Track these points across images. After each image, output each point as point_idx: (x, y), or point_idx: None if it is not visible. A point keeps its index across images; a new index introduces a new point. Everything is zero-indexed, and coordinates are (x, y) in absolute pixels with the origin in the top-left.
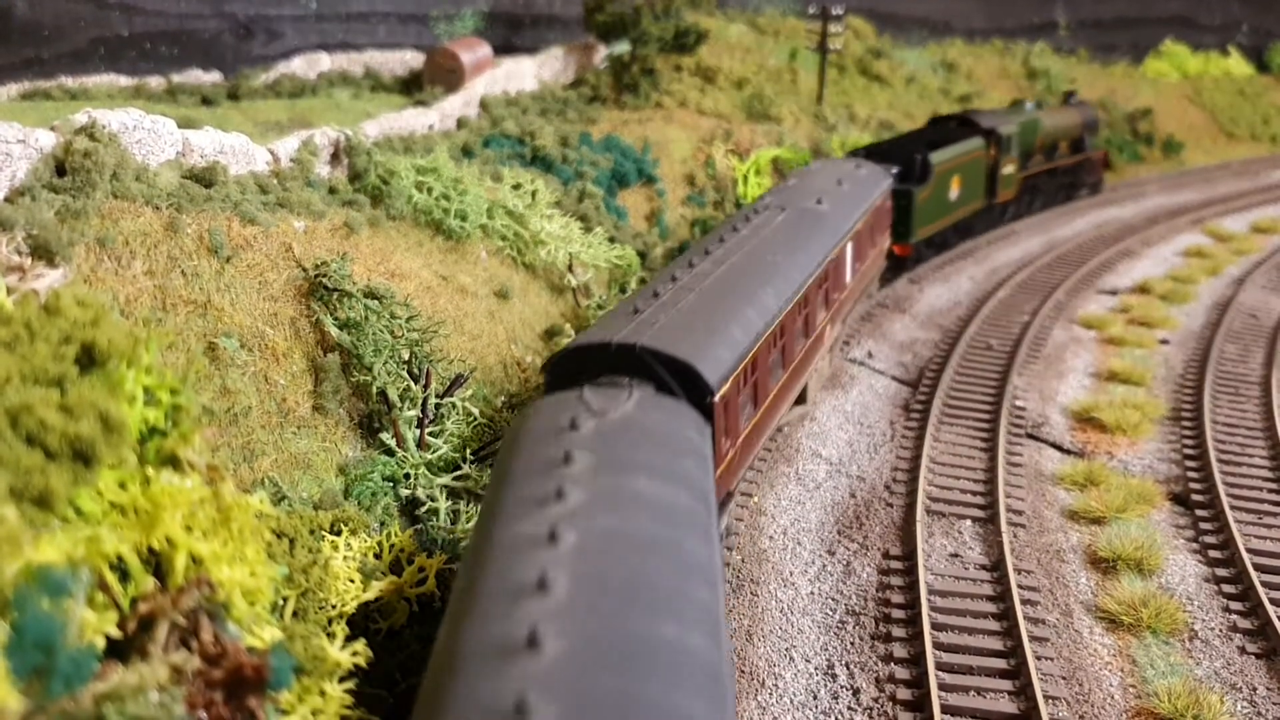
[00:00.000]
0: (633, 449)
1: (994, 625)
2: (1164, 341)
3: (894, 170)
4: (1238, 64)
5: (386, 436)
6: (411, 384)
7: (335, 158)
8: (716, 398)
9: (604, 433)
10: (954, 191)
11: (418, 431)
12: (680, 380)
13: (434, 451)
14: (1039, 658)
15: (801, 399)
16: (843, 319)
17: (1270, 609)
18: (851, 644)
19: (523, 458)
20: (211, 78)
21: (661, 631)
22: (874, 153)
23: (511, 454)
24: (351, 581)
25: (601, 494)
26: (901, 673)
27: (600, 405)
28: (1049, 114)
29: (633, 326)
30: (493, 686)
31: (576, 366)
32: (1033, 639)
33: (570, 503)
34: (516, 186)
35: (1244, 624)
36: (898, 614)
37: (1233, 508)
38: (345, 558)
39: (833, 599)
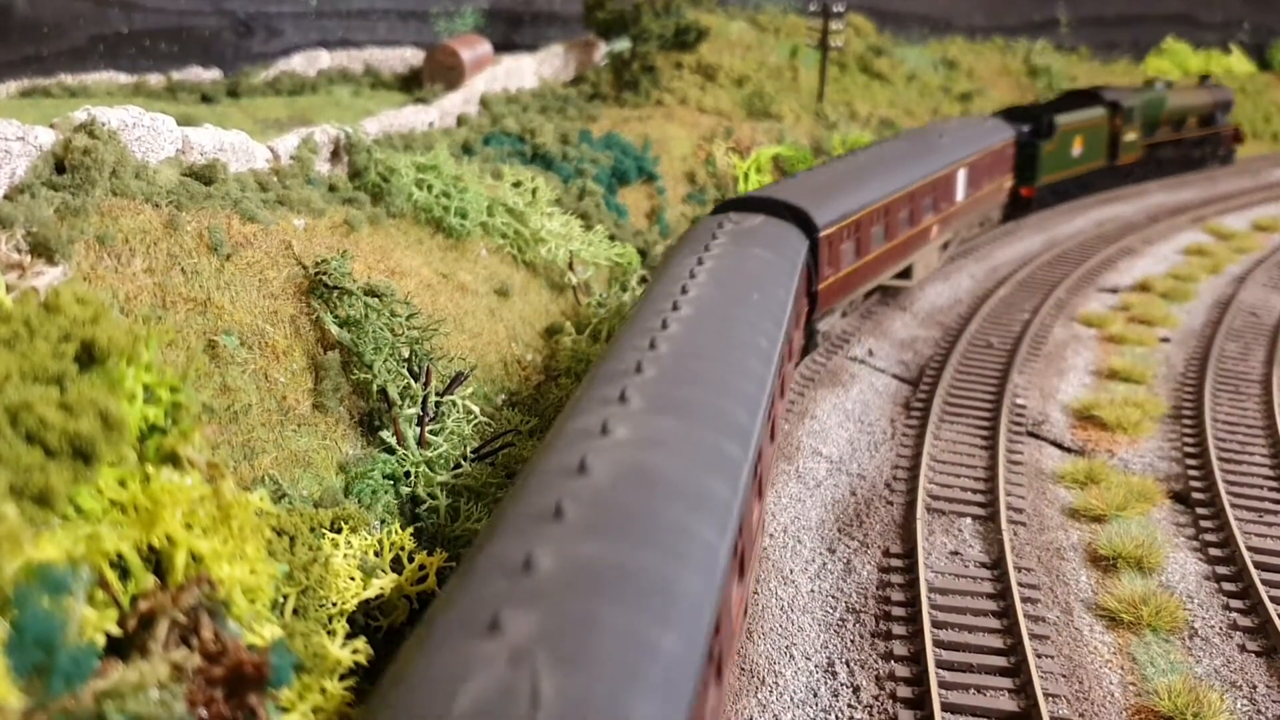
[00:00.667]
0: (753, 237)
1: (994, 623)
2: (1165, 339)
3: (1025, 128)
4: (1239, 61)
5: (387, 434)
6: (412, 382)
7: (335, 155)
8: (821, 234)
9: (738, 230)
10: (1076, 149)
11: (418, 429)
12: (796, 220)
13: (434, 449)
14: (1039, 655)
15: (907, 274)
16: (953, 229)
17: (1270, 607)
18: (852, 641)
19: (686, 239)
20: (211, 75)
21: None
22: (1012, 114)
23: (681, 239)
24: (352, 579)
25: (730, 251)
26: (902, 670)
27: (739, 220)
28: (1177, 93)
29: (770, 189)
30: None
31: (730, 210)
32: (1033, 637)
33: (714, 252)
34: (517, 184)
35: (1244, 622)
36: (898, 612)
37: (1233, 506)
38: (346, 555)
39: (833, 597)
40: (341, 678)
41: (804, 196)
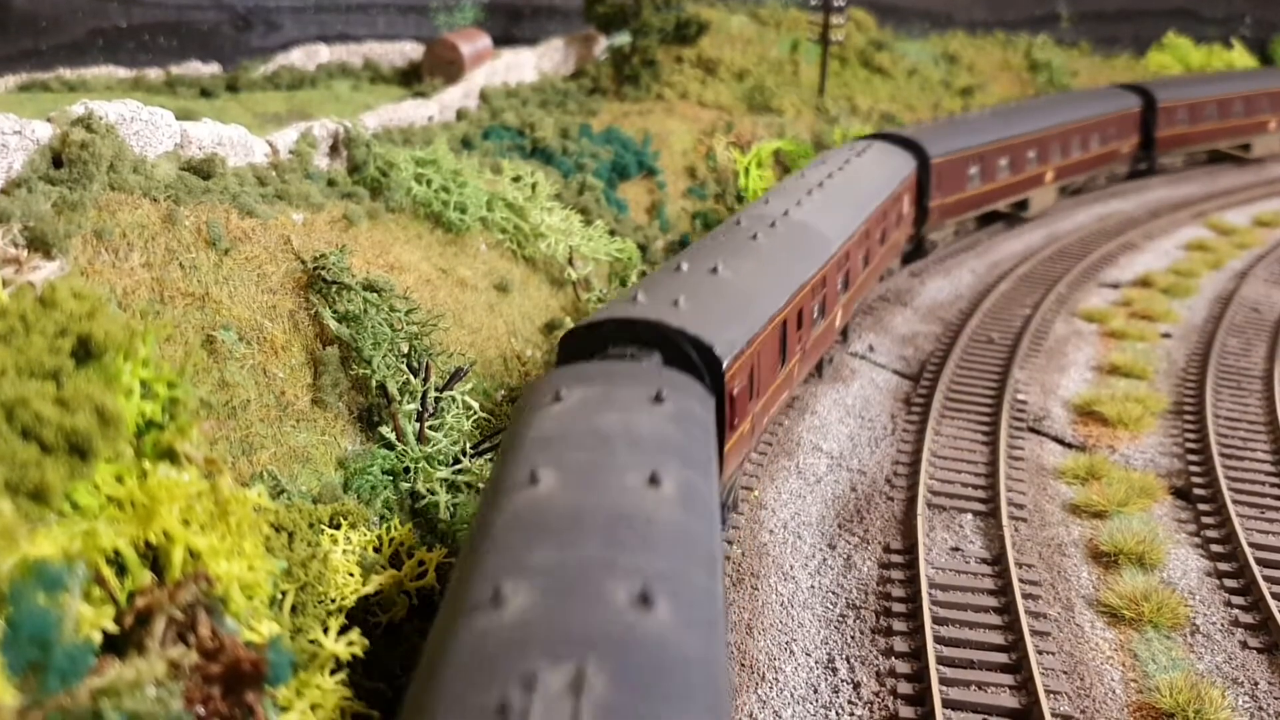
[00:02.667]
0: (1087, 98)
1: (995, 619)
2: (1166, 335)
3: None
4: (1240, 56)
5: (386, 430)
6: (411, 377)
7: (334, 150)
8: (1160, 106)
9: (1064, 95)
10: None
11: (417, 425)
12: (1141, 95)
13: (434, 445)
14: (1040, 652)
15: (1246, 149)
16: (1257, 129)
17: (1272, 603)
18: (852, 638)
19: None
20: (210, 69)
21: None
22: None
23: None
24: (351, 575)
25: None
26: (902, 667)
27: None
28: None
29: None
30: None
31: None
32: (1034, 633)
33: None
34: (516, 179)
35: (1245, 618)
36: (898, 608)
37: (1235, 502)
38: (344, 551)
39: (833, 593)
40: (334, 671)
41: (1156, 88)
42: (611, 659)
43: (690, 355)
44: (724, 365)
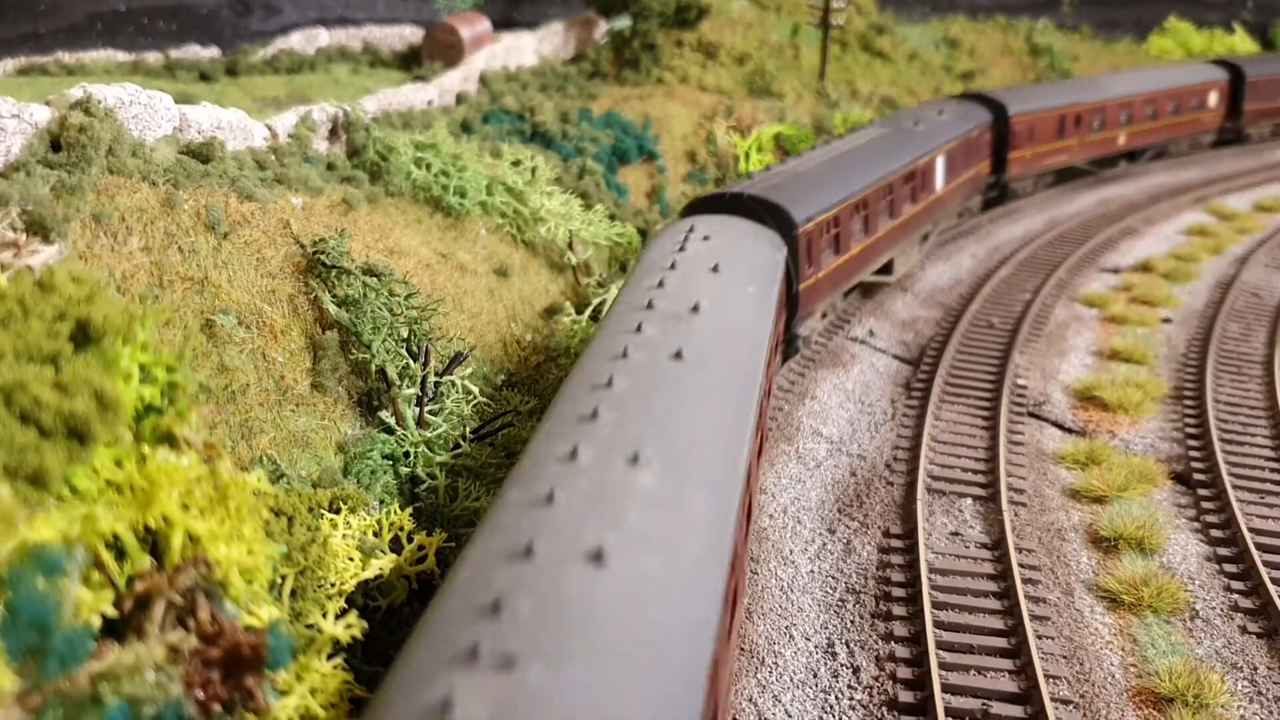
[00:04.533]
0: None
1: (995, 604)
2: (1166, 320)
3: None
4: (1242, 41)
5: (386, 414)
6: (411, 362)
7: (333, 133)
8: (1249, 79)
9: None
10: None
11: (417, 410)
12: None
13: (434, 430)
14: (1040, 636)
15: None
16: None
17: (1271, 588)
18: (852, 622)
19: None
20: (210, 53)
21: None
22: None
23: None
24: (351, 560)
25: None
26: (902, 651)
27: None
28: None
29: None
30: None
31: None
32: (1033, 618)
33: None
34: (516, 163)
35: (1245, 603)
36: (898, 592)
37: (1234, 487)
38: (344, 536)
39: (833, 577)
40: (331, 656)
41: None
42: None
43: (989, 107)
44: (1009, 116)
